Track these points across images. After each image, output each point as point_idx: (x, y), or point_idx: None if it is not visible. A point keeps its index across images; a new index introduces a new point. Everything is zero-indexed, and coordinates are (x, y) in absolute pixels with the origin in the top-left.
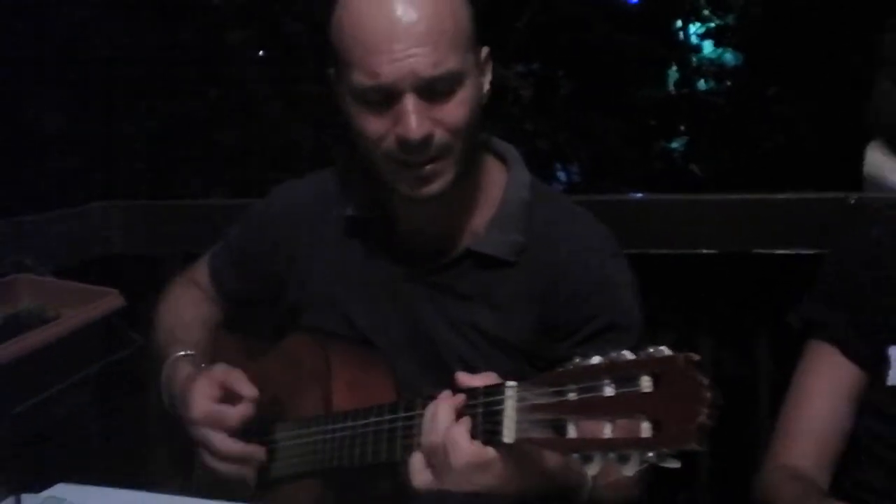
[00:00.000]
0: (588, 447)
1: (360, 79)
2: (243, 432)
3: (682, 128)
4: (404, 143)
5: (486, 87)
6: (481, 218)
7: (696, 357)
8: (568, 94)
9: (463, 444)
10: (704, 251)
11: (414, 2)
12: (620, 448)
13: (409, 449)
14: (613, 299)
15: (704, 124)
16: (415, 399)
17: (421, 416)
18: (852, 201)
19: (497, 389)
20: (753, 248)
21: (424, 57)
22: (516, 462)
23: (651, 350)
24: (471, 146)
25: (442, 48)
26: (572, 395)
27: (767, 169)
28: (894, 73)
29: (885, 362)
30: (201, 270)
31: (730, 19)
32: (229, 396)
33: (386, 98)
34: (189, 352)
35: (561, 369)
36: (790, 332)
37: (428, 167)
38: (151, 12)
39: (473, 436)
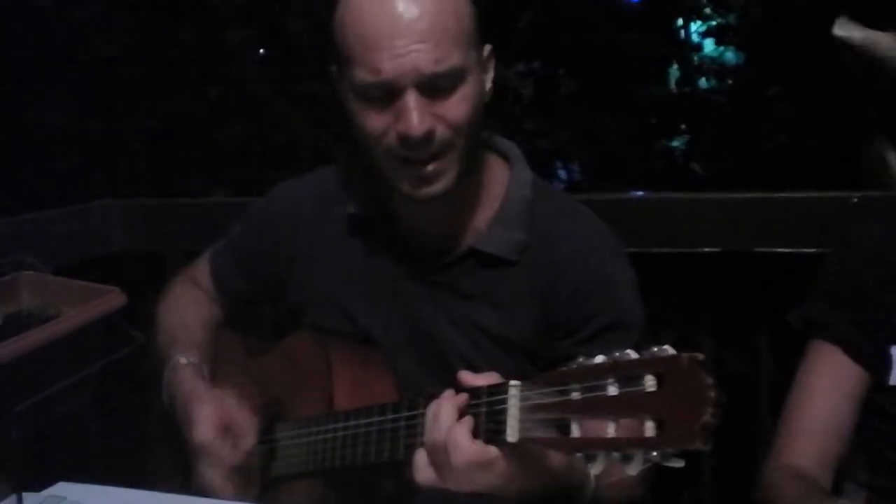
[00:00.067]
0: (591, 446)
1: (361, 75)
2: (240, 471)
3: (684, 126)
4: (405, 140)
5: (489, 85)
6: (483, 216)
7: (701, 356)
8: (569, 93)
9: (464, 444)
10: (706, 250)
11: None
12: (624, 447)
13: (411, 448)
14: (615, 298)
15: (706, 123)
16: (417, 398)
17: (423, 415)
18: (854, 200)
19: (500, 389)
20: (755, 246)
21: (426, 53)
22: (519, 461)
23: (655, 349)
24: (473, 144)
25: (444, 45)
26: (576, 395)
27: (769, 168)
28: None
29: (887, 362)
30: (202, 269)
31: (731, 18)
32: (230, 429)
33: (387, 94)
34: (191, 359)
35: (564, 368)
36: (791, 331)
37: (430, 167)
38: (152, 11)
39: (476, 435)
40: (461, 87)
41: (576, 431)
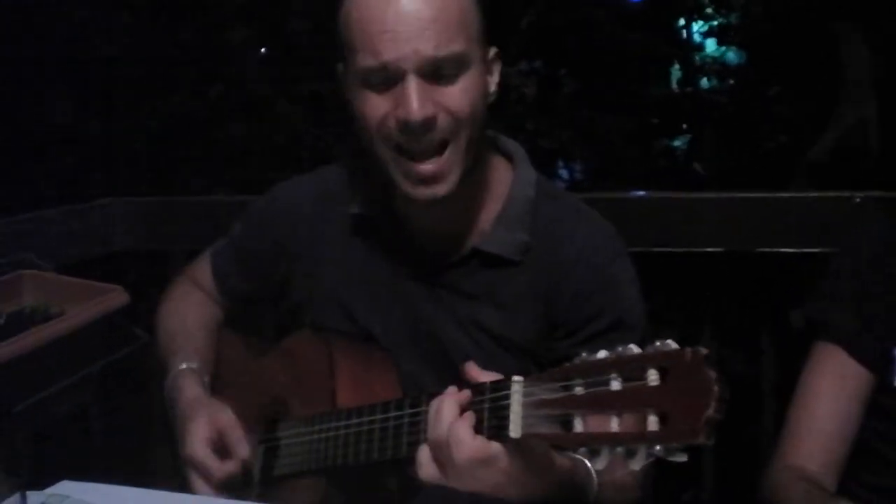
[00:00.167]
0: (595, 441)
1: (364, 60)
2: (230, 487)
3: (685, 126)
4: (405, 125)
5: (493, 87)
6: (487, 216)
7: (704, 351)
8: (571, 93)
9: (466, 440)
10: (708, 250)
11: None
12: (628, 442)
13: (414, 446)
14: (617, 298)
15: (707, 123)
16: (420, 395)
17: (426, 412)
18: (857, 200)
19: (503, 384)
20: (757, 246)
21: (428, 38)
22: (522, 458)
23: (658, 344)
24: (474, 144)
25: (446, 32)
26: (579, 390)
27: (770, 167)
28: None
29: (891, 363)
30: (203, 269)
31: (733, 18)
32: (224, 445)
33: (389, 79)
34: (192, 364)
35: (568, 364)
36: (793, 331)
37: (429, 166)
38: (153, 11)
39: (479, 431)
40: (463, 76)
41: (579, 427)
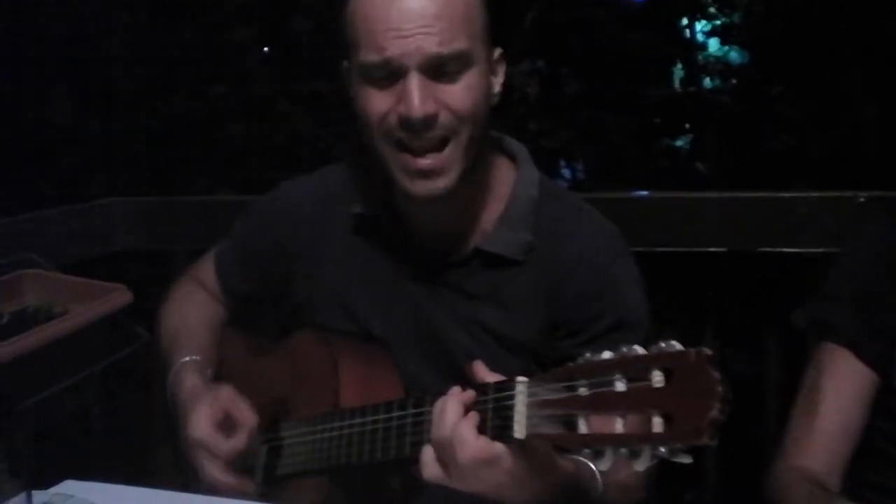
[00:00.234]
0: (599, 442)
1: (367, 56)
2: (238, 463)
3: (688, 126)
4: (406, 121)
5: (497, 88)
6: (490, 216)
7: (709, 351)
8: (573, 93)
9: (470, 440)
10: (711, 250)
11: None
12: (632, 443)
13: (418, 446)
14: (620, 298)
15: (710, 122)
16: (424, 395)
17: (430, 412)
18: (861, 200)
19: (507, 385)
20: (760, 246)
21: (432, 35)
22: (526, 459)
23: (662, 345)
24: (475, 142)
25: (450, 29)
26: (583, 391)
27: (773, 168)
28: None
29: (894, 363)
30: (206, 268)
31: (736, 17)
32: (230, 421)
33: (391, 75)
34: (195, 357)
35: (572, 365)
36: (796, 331)
37: (428, 161)
38: (155, 11)
39: (483, 431)
40: (466, 75)
41: (583, 427)
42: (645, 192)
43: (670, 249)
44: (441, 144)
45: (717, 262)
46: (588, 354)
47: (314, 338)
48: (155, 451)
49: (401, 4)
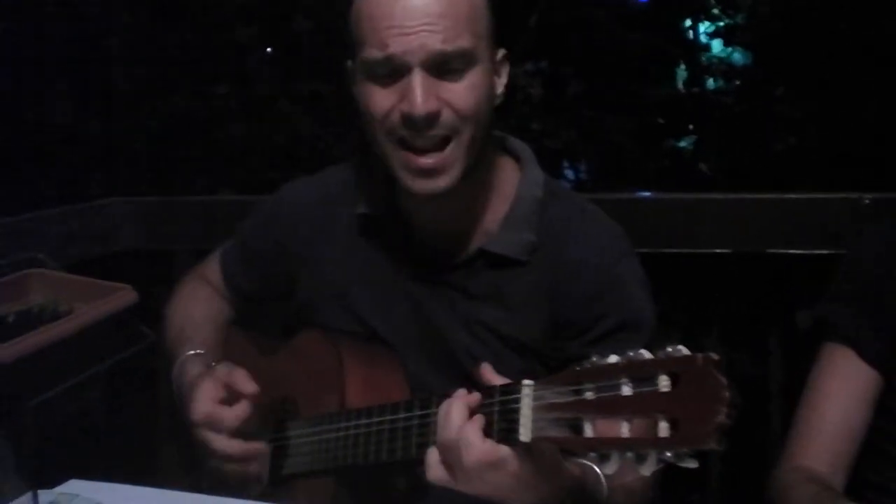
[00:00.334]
0: (605, 446)
1: (370, 53)
2: (245, 432)
3: (691, 127)
4: (408, 119)
5: (500, 89)
6: (494, 216)
7: (716, 357)
8: (576, 93)
9: (475, 442)
10: (716, 251)
11: None
12: (638, 447)
13: (423, 447)
14: (625, 298)
15: (713, 123)
16: (430, 397)
17: (436, 414)
18: (866, 201)
19: (513, 388)
20: (765, 248)
21: (435, 33)
22: (532, 462)
23: (669, 349)
24: (477, 141)
25: (454, 27)
26: (590, 394)
27: (776, 169)
28: None
29: None
30: (212, 267)
31: (739, 18)
32: (233, 396)
33: (394, 72)
34: (199, 350)
35: (578, 368)
36: (801, 333)
37: (430, 160)
38: (156, 10)
39: (488, 434)
40: (469, 73)
41: (589, 431)
42: (648, 193)
43: (674, 251)
44: (443, 143)
45: (721, 263)
46: (594, 358)
47: (320, 338)
48: (160, 450)
49: (405, 2)
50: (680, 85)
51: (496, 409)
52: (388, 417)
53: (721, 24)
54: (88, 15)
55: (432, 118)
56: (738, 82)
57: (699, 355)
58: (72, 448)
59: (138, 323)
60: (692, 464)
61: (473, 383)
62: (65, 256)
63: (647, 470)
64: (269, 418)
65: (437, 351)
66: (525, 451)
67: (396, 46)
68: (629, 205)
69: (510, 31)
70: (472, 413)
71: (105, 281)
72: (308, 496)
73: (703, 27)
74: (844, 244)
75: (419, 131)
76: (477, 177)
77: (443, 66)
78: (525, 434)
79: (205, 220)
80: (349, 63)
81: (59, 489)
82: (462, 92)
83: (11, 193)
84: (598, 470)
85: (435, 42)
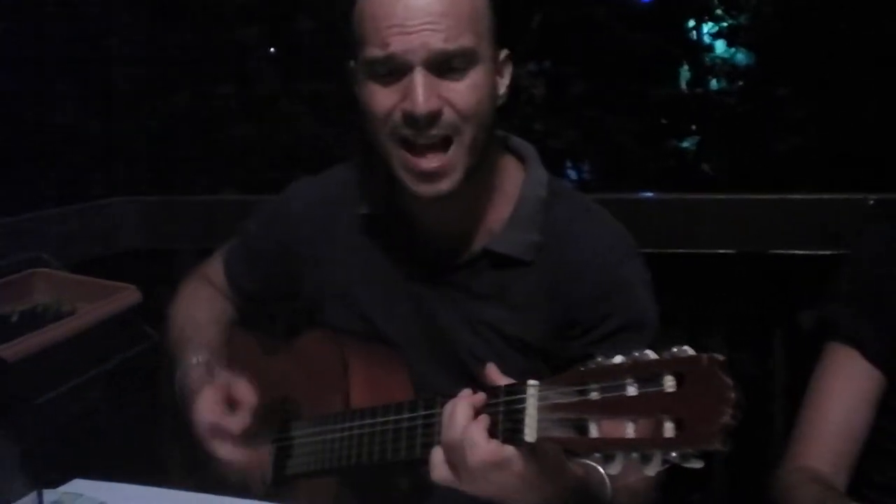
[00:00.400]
0: (610, 446)
1: (372, 51)
2: (248, 437)
3: (694, 127)
4: (410, 117)
5: (503, 89)
6: (498, 216)
7: (721, 357)
8: (580, 93)
9: (480, 442)
10: (720, 251)
11: None
12: (643, 448)
13: (428, 447)
14: (629, 298)
15: (716, 124)
16: (434, 397)
17: (440, 414)
18: (871, 202)
19: (518, 388)
20: (768, 248)
21: (437, 31)
22: (537, 463)
23: (674, 350)
24: (479, 141)
25: (456, 26)
26: (595, 395)
27: (779, 169)
28: None
29: None
30: (216, 267)
31: (743, 19)
32: (233, 402)
33: (396, 71)
34: (202, 358)
35: (583, 368)
36: (804, 333)
37: (433, 162)
38: (156, 10)
39: (493, 434)
40: (471, 72)
41: (594, 431)
42: (651, 193)
43: (677, 251)
44: (444, 144)
45: (724, 263)
46: (599, 358)
47: (324, 338)
48: (164, 449)
49: (406, 1)
50: (683, 85)
51: (501, 409)
52: (393, 417)
53: (724, 24)
54: (88, 15)
55: (434, 117)
56: (741, 83)
57: (704, 356)
58: (76, 447)
59: (142, 323)
60: (697, 464)
61: (478, 383)
62: (66, 256)
63: (652, 470)
64: (273, 419)
65: (441, 351)
66: (530, 451)
67: (398, 45)
68: (632, 205)
69: (512, 30)
70: (477, 413)
71: (109, 281)
72: (311, 496)
73: (707, 28)
74: (847, 244)
75: (420, 130)
76: (480, 177)
77: (444, 66)
78: (530, 434)
79: (206, 220)
80: (351, 63)
81: (63, 488)
82: (464, 91)
83: (12, 193)
84: (602, 470)
85: (436, 41)
